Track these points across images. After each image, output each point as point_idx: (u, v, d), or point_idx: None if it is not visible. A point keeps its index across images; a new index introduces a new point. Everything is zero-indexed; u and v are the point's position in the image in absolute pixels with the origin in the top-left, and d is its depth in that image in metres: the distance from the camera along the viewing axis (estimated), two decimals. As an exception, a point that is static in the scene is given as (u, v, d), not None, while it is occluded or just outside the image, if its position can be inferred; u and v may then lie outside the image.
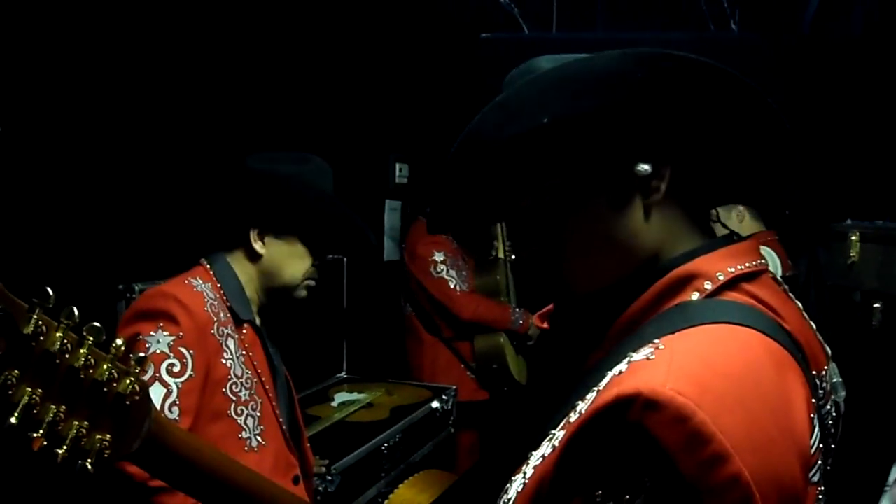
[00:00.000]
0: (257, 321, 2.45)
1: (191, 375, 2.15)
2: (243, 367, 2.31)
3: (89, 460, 1.16)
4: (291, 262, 2.43)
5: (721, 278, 1.14)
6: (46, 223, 2.94)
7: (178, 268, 2.39)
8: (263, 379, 2.37)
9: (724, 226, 4.21)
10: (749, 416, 0.91)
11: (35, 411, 1.10)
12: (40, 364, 1.10)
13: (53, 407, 1.11)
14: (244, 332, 2.37)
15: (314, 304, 4.58)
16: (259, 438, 2.31)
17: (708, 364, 0.96)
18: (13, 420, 1.06)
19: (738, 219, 4.52)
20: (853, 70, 5.74)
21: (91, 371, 1.15)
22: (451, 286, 4.84)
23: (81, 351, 1.14)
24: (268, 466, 2.29)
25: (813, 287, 4.63)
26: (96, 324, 1.14)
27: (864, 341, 4.09)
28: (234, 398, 2.25)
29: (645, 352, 1.01)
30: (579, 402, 1.05)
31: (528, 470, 1.07)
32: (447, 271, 4.85)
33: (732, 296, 1.13)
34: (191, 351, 2.17)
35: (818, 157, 5.76)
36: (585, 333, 1.24)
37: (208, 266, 2.40)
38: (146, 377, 2.10)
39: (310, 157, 2.54)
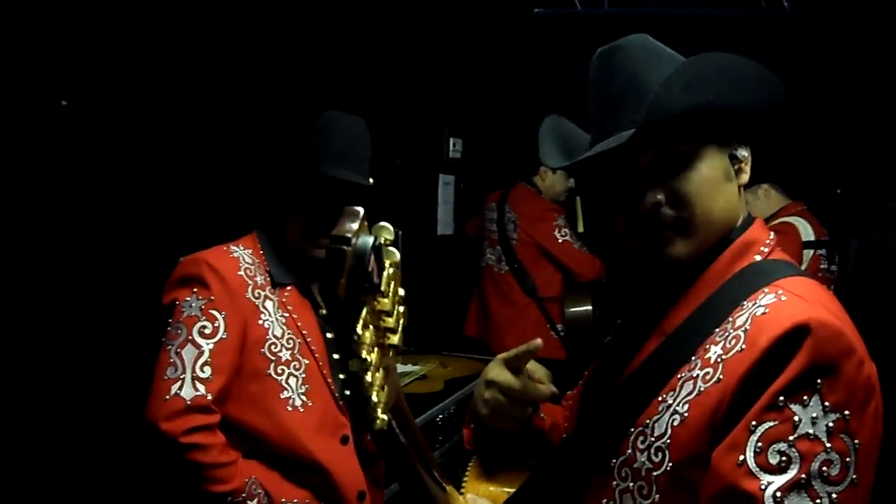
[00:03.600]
0: (309, 285, 2.51)
1: (223, 336, 2.24)
2: (284, 327, 2.37)
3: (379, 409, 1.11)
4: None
5: (770, 243, 1.49)
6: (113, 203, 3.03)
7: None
8: (309, 339, 2.42)
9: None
10: (853, 330, 1.29)
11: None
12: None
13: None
14: (287, 293, 2.43)
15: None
16: (304, 398, 2.36)
17: (821, 301, 1.32)
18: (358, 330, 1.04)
19: (764, 196, 4.58)
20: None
21: (387, 318, 1.17)
22: (577, 247, 5.05)
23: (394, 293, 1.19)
24: (312, 425, 2.36)
25: (865, 265, 4.63)
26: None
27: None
28: (273, 358, 2.32)
29: (769, 297, 1.33)
30: (710, 344, 1.36)
31: (679, 407, 1.34)
32: (570, 234, 5.06)
33: (778, 255, 1.49)
34: (222, 313, 2.25)
35: (870, 135, 5.73)
36: (659, 296, 1.54)
37: (257, 234, 2.49)
38: (180, 339, 2.21)
39: (330, 116, 2.55)
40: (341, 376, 1.05)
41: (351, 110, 4.41)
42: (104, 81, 2.98)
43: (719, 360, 1.32)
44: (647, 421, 1.38)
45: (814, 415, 1.21)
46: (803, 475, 1.19)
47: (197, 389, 2.17)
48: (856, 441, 1.22)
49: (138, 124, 3.08)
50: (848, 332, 1.26)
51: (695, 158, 1.44)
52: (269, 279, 2.40)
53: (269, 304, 2.36)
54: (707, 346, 1.36)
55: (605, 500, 1.44)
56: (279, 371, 2.32)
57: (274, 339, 2.33)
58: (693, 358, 1.38)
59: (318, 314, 2.50)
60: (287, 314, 2.40)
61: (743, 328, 1.31)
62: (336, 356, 1.04)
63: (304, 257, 2.45)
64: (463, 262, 5.70)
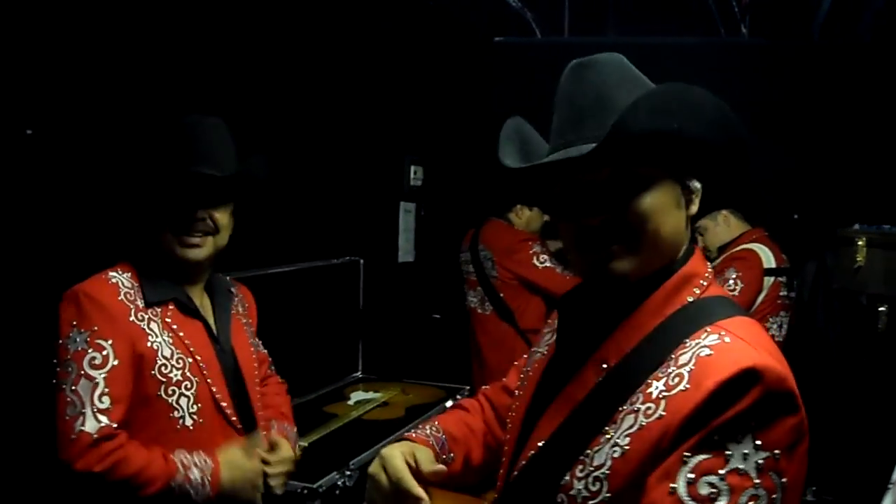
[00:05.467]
0: (192, 299, 2.49)
1: (115, 364, 2.23)
2: (172, 347, 2.35)
3: None
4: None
5: (708, 276, 1.56)
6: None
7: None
8: (199, 357, 2.41)
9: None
10: (790, 373, 1.35)
11: None
12: None
13: None
14: (169, 311, 2.41)
15: (332, 305, 4.68)
16: (195, 417, 2.36)
17: (763, 344, 1.39)
18: None
19: (724, 222, 4.64)
20: (861, 76, 5.79)
21: None
22: (559, 272, 4.77)
23: None
24: (202, 444, 2.35)
25: (821, 289, 4.70)
26: None
27: (869, 343, 4.16)
28: (164, 379, 2.31)
29: (712, 338, 1.39)
30: (652, 380, 1.40)
31: (620, 440, 1.38)
32: (549, 259, 4.82)
33: (716, 289, 1.55)
34: (109, 340, 2.24)
35: (826, 162, 5.82)
36: (597, 320, 1.57)
37: (131, 256, 2.46)
38: (72, 377, 2.20)
39: (190, 119, 2.48)
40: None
41: (312, 139, 4.45)
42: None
43: (661, 396, 1.36)
44: (589, 451, 1.43)
45: (745, 451, 1.28)
46: None
47: (100, 421, 2.17)
48: (783, 479, 1.29)
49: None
50: (789, 377, 1.34)
51: (650, 182, 1.47)
52: (144, 300, 2.37)
53: (153, 325, 2.34)
54: (650, 382, 1.41)
55: None
56: (170, 392, 2.32)
57: (163, 360, 2.32)
58: (635, 394, 1.42)
59: (207, 330, 2.50)
60: (172, 333, 2.38)
61: (687, 367, 1.36)
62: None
63: (180, 263, 2.43)
64: (424, 289, 5.71)
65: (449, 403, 4.29)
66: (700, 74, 6.22)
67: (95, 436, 2.15)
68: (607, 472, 1.38)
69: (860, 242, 3.65)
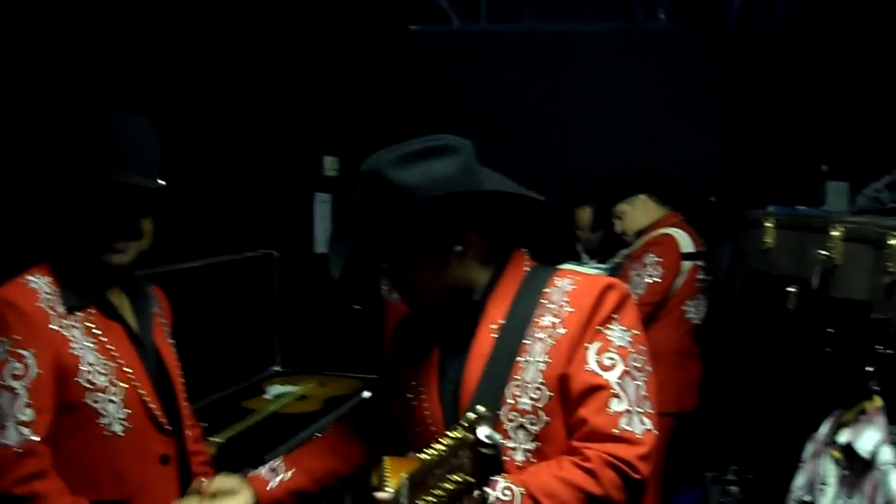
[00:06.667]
0: (111, 303, 2.40)
1: (37, 373, 2.14)
2: (96, 353, 2.27)
3: None
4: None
5: (527, 255, 2.16)
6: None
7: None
8: (122, 362, 2.32)
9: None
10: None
11: None
12: None
13: None
14: (91, 316, 2.32)
15: (246, 299, 4.61)
16: (124, 423, 2.27)
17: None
18: None
19: (642, 206, 4.66)
20: (776, 63, 5.88)
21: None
22: None
23: None
24: (132, 449, 2.29)
25: (737, 272, 4.74)
26: None
27: (782, 323, 4.21)
28: (89, 386, 2.22)
29: (565, 280, 2.04)
30: (538, 318, 1.99)
31: (539, 358, 1.95)
32: None
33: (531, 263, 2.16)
34: (30, 350, 2.15)
35: (742, 146, 5.90)
36: (448, 329, 2.12)
37: (50, 259, 2.36)
38: None
39: (115, 118, 2.38)
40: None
41: (226, 130, 4.37)
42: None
43: (556, 320, 1.97)
44: (517, 377, 1.96)
45: (618, 333, 1.95)
46: (625, 367, 1.92)
47: (22, 434, 2.08)
48: (642, 347, 1.98)
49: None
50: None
51: (416, 259, 2.03)
52: (64, 306, 2.27)
53: (75, 331, 2.25)
54: (537, 319, 1.99)
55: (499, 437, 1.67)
56: (96, 399, 2.22)
57: (88, 367, 2.23)
58: (530, 329, 1.99)
59: (129, 332, 2.40)
60: (95, 339, 2.29)
61: (563, 299, 2.00)
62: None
63: (103, 268, 2.34)
64: (341, 280, 5.64)
65: (366, 394, 4.25)
66: (617, 61, 6.26)
67: (18, 449, 2.06)
68: (542, 380, 1.93)
69: (768, 224, 3.69)
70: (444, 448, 1.53)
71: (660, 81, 6.15)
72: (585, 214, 5.30)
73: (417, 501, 1.64)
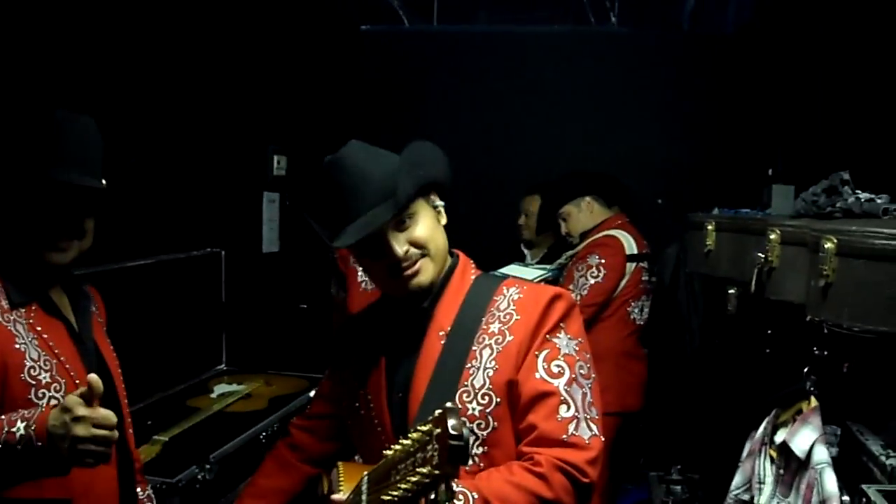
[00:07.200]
0: (52, 301, 2.39)
1: None
2: (38, 349, 2.26)
3: None
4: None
5: (473, 265, 2.28)
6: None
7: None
8: (63, 359, 2.31)
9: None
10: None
11: None
12: None
13: None
14: (32, 313, 2.31)
15: (193, 297, 4.60)
16: None
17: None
18: None
19: (587, 207, 4.73)
20: (726, 65, 5.96)
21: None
22: None
23: None
24: None
25: (682, 274, 4.80)
26: None
27: (722, 325, 4.28)
28: (33, 382, 2.21)
29: (513, 290, 2.14)
30: (486, 325, 2.09)
31: (488, 364, 2.03)
32: None
33: (479, 272, 2.28)
34: None
35: (691, 148, 5.97)
36: (408, 316, 2.18)
37: None
38: None
39: (59, 116, 2.35)
40: None
41: (175, 127, 4.35)
42: None
43: (503, 328, 2.06)
44: (465, 383, 2.03)
45: (566, 342, 2.05)
46: (573, 374, 2.01)
47: None
48: (587, 355, 2.10)
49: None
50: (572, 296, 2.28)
51: (420, 213, 2.13)
52: (7, 302, 2.27)
53: (19, 327, 2.24)
54: (485, 326, 2.09)
55: None
56: (40, 395, 2.21)
57: (31, 363, 2.22)
58: (478, 336, 2.08)
59: (70, 330, 2.39)
60: (37, 335, 2.28)
61: (510, 307, 2.10)
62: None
63: (45, 266, 2.32)
64: (288, 280, 5.65)
65: (312, 393, 4.26)
66: (569, 63, 6.30)
67: None
68: (490, 386, 2.01)
69: (709, 227, 3.75)
70: (409, 443, 1.56)
71: (611, 83, 6.20)
72: (534, 203, 5.32)
73: (382, 496, 1.64)
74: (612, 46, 6.37)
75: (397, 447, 1.61)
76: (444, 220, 2.22)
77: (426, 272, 2.12)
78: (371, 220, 2.03)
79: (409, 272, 2.10)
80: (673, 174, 5.97)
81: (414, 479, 1.51)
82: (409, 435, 1.56)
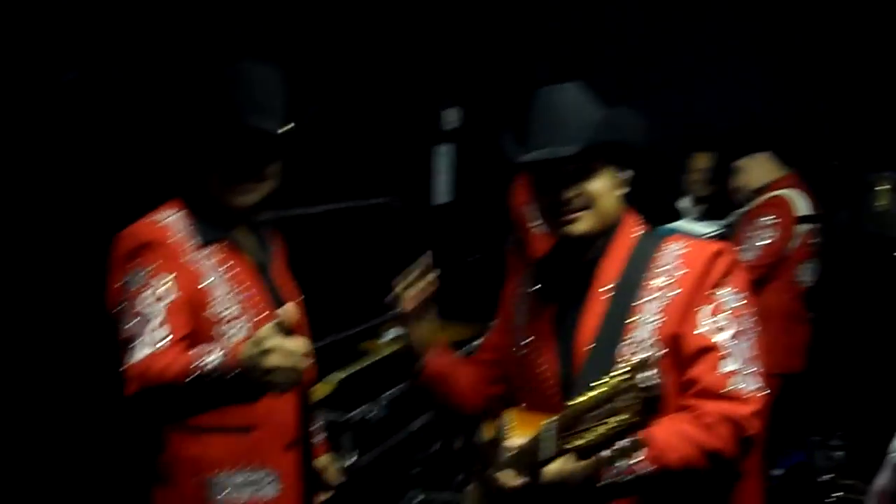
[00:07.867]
0: (237, 239, 2.47)
1: (178, 295, 2.21)
2: (226, 283, 2.36)
3: None
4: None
5: (640, 223, 2.26)
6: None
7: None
8: (250, 293, 2.40)
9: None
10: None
11: None
12: None
13: None
14: (221, 250, 2.40)
15: (367, 244, 4.70)
16: None
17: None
18: None
19: (761, 165, 4.57)
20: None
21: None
22: None
23: None
24: None
25: (853, 236, 4.68)
26: None
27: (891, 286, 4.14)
28: (218, 318, 2.30)
29: (678, 244, 2.15)
30: (649, 281, 2.11)
31: (653, 317, 2.07)
32: None
33: (645, 228, 2.26)
34: (171, 274, 2.22)
35: (867, 108, 5.73)
36: (573, 270, 2.23)
37: (182, 196, 2.45)
38: (135, 308, 2.16)
39: (245, 66, 2.45)
40: None
41: (351, 84, 4.44)
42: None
43: (669, 282, 2.09)
44: (629, 335, 2.07)
45: (729, 297, 2.06)
46: (736, 329, 2.02)
47: (156, 349, 2.10)
48: (751, 310, 2.08)
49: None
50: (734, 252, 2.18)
51: (600, 172, 2.13)
52: (200, 240, 2.37)
53: (207, 264, 2.34)
54: (646, 283, 2.12)
55: None
56: (222, 331, 2.31)
57: (219, 298, 2.33)
58: (641, 291, 2.11)
59: (256, 267, 2.48)
60: (228, 271, 2.38)
61: (675, 262, 2.12)
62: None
63: (231, 209, 2.41)
64: (461, 230, 5.71)
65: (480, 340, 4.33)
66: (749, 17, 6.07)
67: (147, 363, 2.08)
68: (658, 336, 2.04)
69: (884, 187, 3.63)
70: (600, 393, 1.60)
71: (779, 39, 5.98)
72: (703, 160, 5.24)
73: (576, 441, 1.68)
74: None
75: (586, 397, 1.65)
76: (623, 190, 2.21)
77: (583, 223, 2.13)
78: (554, 152, 2.09)
79: (566, 217, 2.12)
80: (847, 136, 5.76)
81: (608, 425, 1.57)
82: (601, 384, 1.61)
